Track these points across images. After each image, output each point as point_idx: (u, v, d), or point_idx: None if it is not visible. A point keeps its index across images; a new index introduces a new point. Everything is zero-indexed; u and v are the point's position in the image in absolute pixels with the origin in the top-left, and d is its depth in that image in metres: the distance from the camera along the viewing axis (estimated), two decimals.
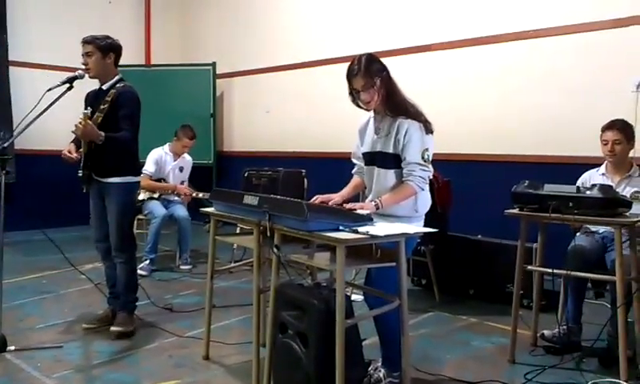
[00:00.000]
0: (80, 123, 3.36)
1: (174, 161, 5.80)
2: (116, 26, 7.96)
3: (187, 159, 5.92)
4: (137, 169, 3.90)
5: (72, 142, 3.71)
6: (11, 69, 7.28)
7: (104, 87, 3.71)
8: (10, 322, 3.71)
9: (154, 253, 5.43)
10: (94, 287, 4.23)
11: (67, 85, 3.49)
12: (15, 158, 6.77)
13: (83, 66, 3.65)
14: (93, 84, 3.76)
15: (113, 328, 3.65)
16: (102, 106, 3.61)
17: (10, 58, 7.27)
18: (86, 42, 3.67)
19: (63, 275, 5.02)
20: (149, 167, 5.66)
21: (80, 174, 3.65)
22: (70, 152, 3.59)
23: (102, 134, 3.44)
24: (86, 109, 3.67)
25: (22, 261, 5.67)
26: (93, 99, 3.74)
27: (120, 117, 3.59)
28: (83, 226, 7.39)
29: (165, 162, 5.77)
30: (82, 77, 3.54)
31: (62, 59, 7.10)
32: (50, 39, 7.63)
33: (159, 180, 5.71)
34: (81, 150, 3.63)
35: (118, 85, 3.69)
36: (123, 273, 3.76)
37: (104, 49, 3.66)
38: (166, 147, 5.82)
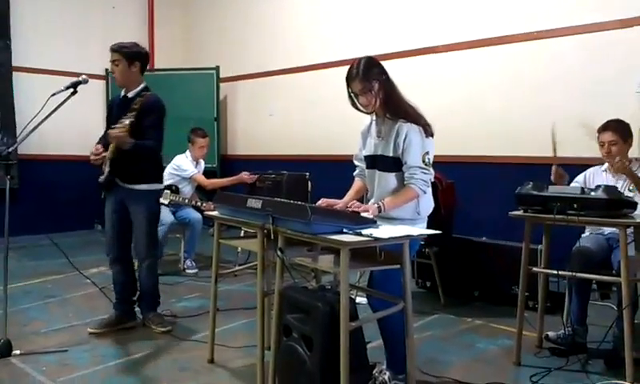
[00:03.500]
0: (116, 129, 3.47)
1: (195, 167, 5.83)
2: (119, 30, 7.99)
3: (202, 165, 5.97)
4: (161, 176, 3.99)
5: (98, 143, 3.76)
6: (14, 74, 7.30)
7: (129, 95, 3.77)
8: (15, 326, 3.73)
9: (160, 258, 5.40)
10: (98, 291, 4.24)
11: (71, 90, 3.50)
12: (18, 163, 6.81)
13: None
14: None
15: (159, 329, 3.78)
16: (129, 114, 3.66)
17: (14, 64, 7.29)
18: (112, 50, 3.74)
19: (68, 279, 5.03)
20: (191, 167, 5.71)
21: (101, 180, 3.70)
22: (97, 150, 3.64)
23: (132, 141, 3.52)
24: (109, 116, 3.72)
25: (27, 265, 5.68)
26: (118, 106, 3.79)
27: (146, 126, 3.66)
28: (87, 229, 7.44)
29: (190, 167, 5.79)
30: (85, 82, 3.55)
31: (66, 64, 7.14)
32: (54, 44, 7.66)
33: (169, 187, 5.65)
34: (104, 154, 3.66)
35: (144, 93, 3.75)
36: (150, 276, 3.87)
37: (130, 57, 3.71)
38: (187, 154, 5.84)
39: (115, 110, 3.82)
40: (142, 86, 3.79)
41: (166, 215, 5.46)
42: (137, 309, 3.96)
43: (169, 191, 5.63)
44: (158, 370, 3.23)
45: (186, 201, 5.64)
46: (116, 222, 3.82)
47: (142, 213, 3.76)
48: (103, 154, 3.62)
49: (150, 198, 3.82)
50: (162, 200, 5.52)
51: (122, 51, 3.70)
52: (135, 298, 3.95)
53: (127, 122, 3.54)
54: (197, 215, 5.62)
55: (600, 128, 3.58)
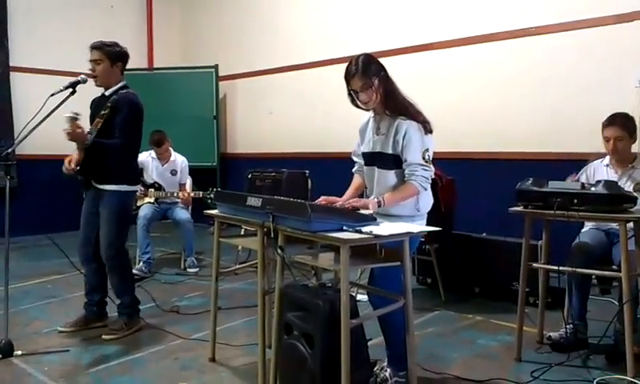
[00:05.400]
0: (65, 129, 3.41)
1: (162, 165, 5.78)
2: (118, 29, 8.00)
3: (178, 161, 5.87)
4: (134, 177, 3.87)
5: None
6: (12, 74, 7.30)
7: (107, 93, 3.73)
8: (17, 326, 3.73)
9: (146, 254, 5.38)
10: None
11: (70, 90, 3.49)
12: (17, 163, 6.81)
13: (89, 72, 3.65)
14: (96, 89, 3.76)
15: (104, 336, 3.68)
16: (102, 112, 3.63)
17: (11, 64, 7.30)
18: (94, 47, 3.66)
19: (68, 279, 5.02)
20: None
21: (79, 178, 3.68)
22: (70, 163, 3.59)
23: (89, 137, 3.48)
24: (91, 115, 3.69)
25: (27, 266, 5.68)
26: (96, 105, 3.76)
27: (115, 124, 3.60)
28: None
29: (152, 166, 5.74)
30: (84, 82, 3.54)
31: (64, 64, 7.12)
32: (52, 44, 7.65)
33: (152, 185, 5.68)
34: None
35: (120, 91, 3.70)
36: (111, 279, 3.79)
37: (113, 57, 3.67)
38: (153, 152, 5.80)
39: (93, 108, 3.77)
40: (120, 84, 3.72)
41: (143, 210, 5.48)
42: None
43: (152, 189, 5.64)
44: (160, 369, 3.23)
45: (168, 194, 5.63)
46: (88, 220, 3.78)
47: (105, 214, 3.67)
48: (73, 167, 3.58)
49: (117, 198, 3.68)
50: (147, 199, 5.56)
51: (104, 50, 3.63)
52: (106, 299, 3.93)
53: (99, 118, 3.53)
54: (184, 215, 5.63)
55: (605, 122, 3.44)
